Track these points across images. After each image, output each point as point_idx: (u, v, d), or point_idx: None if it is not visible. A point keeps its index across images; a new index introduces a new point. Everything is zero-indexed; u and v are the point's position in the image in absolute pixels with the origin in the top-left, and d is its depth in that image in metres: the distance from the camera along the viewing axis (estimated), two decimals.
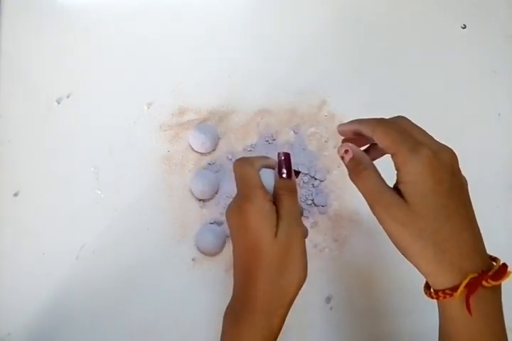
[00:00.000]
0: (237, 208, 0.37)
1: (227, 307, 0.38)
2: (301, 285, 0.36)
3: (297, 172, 0.40)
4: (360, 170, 0.34)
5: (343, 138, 0.38)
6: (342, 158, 0.35)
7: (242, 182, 0.37)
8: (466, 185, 0.33)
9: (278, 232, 0.35)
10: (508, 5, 0.60)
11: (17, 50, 0.53)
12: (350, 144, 0.35)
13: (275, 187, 0.38)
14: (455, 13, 0.59)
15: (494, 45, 0.59)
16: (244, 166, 0.38)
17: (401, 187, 0.32)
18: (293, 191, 0.37)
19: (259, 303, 0.35)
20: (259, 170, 0.38)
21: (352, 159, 0.34)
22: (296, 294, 0.36)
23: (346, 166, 0.35)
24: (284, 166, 0.38)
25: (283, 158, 0.38)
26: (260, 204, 0.35)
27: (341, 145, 0.35)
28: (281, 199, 0.36)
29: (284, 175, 0.37)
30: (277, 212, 0.36)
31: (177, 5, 0.55)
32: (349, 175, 0.35)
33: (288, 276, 0.35)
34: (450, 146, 0.33)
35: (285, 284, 0.35)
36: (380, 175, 0.33)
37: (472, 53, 0.59)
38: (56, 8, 0.54)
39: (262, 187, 0.37)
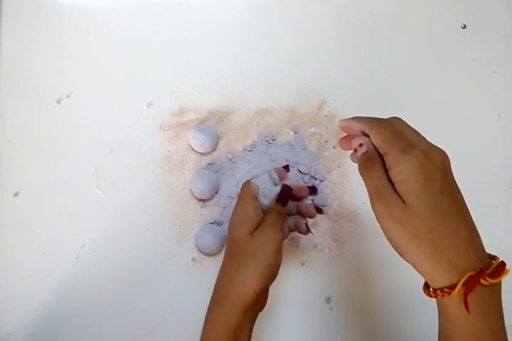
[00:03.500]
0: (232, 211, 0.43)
1: None
2: (263, 285, 0.39)
3: (320, 210, 0.47)
4: (371, 164, 0.34)
5: (340, 138, 0.39)
6: (355, 150, 0.36)
7: (241, 191, 0.44)
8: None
9: (255, 232, 0.40)
10: (508, 5, 0.60)
11: (17, 50, 0.53)
12: (365, 138, 0.35)
13: (270, 207, 0.43)
14: (455, 13, 0.59)
15: (494, 45, 0.59)
16: (245, 183, 0.44)
17: (396, 187, 0.32)
18: (281, 213, 0.43)
19: (221, 291, 0.40)
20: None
21: (365, 153, 0.35)
22: (257, 290, 0.39)
23: (358, 159, 0.35)
24: (283, 196, 0.44)
25: (285, 190, 0.44)
26: (245, 207, 0.42)
27: (357, 138, 0.35)
28: (269, 214, 0.42)
29: (280, 203, 0.44)
30: (263, 221, 0.41)
31: (177, 5, 0.55)
32: (359, 168, 0.35)
33: (252, 270, 0.39)
34: (450, 146, 0.33)
35: (246, 278, 0.39)
36: (386, 172, 0.33)
37: (472, 53, 0.59)
38: (56, 8, 0.54)
39: (254, 196, 0.43)
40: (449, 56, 0.59)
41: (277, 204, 0.43)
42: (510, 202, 0.57)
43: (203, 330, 0.41)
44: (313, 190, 0.47)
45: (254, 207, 0.42)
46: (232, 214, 0.42)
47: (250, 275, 0.39)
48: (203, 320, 0.41)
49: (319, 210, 0.47)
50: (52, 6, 0.54)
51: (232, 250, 0.41)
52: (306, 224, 0.46)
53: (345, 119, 0.37)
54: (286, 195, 0.44)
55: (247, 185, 0.44)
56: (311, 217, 0.47)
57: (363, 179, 0.34)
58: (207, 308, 0.41)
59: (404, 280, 0.52)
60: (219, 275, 0.42)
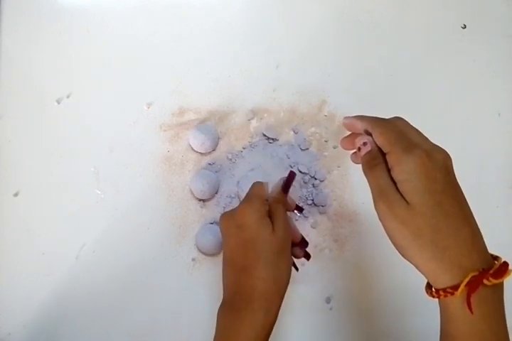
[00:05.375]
0: (235, 211, 0.41)
1: (221, 306, 0.41)
2: (290, 278, 0.40)
3: (301, 209, 0.48)
4: (374, 164, 0.34)
5: (342, 138, 0.39)
6: (359, 149, 0.35)
7: (251, 191, 0.43)
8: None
9: (275, 230, 0.40)
10: (508, 5, 0.60)
11: (17, 50, 0.53)
12: (369, 137, 0.35)
13: (274, 198, 0.43)
14: (455, 13, 0.59)
15: (494, 45, 0.59)
16: (257, 183, 0.44)
17: (398, 186, 0.32)
18: (285, 205, 0.43)
19: (258, 293, 0.39)
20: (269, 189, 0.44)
21: (369, 152, 0.35)
22: (287, 286, 0.40)
23: (362, 158, 0.35)
24: (289, 184, 0.44)
25: (292, 176, 0.44)
26: (257, 207, 0.40)
27: (361, 137, 0.35)
28: (278, 208, 0.42)
29: (285, 191, 0.44)
30: (272, 216, 0.41)
31: (177, 5, 0.55)
32: (363, 167, 0.35)
33: (282, 268, 0.40)
34: (450, 146, 0.33)
35: (280, 275, 0.39)
36: (389, 172, 0.33)
37: (472, 53, 0.59)
38: (56, 8, 0.54)
39: (263, 197, 0.42)
40: (449, 56, 0.59)
41: (282, 192, 0.43)
42: (510, 202, 0.57)
43: (232, 329, 0.38)
44: (299, 209, 0.48)
45: (264, 207, 0.41)
46: (242, 213, 0.40)
47: (285, 275, 0.40)
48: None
49: (307, 256, 0.46)
50: (52, 6, 0.54)
51: (256, 251, 0.39)
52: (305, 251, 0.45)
53: (348, 117, 0.36)
54: (291, 179, 0.44)
55: (259, 185, 0.43)
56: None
57: (367, 178, 0.34)
58: (223, 316, 0.40)
59: (405, 280, 0.52)
60: (246, 277, 0.39)
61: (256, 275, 0.39)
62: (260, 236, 0.39)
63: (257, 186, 0.43)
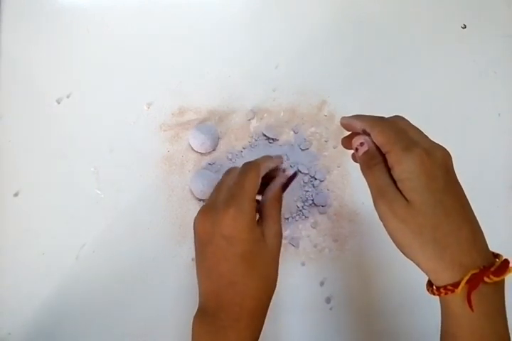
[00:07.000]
0: (219, 213, 0.36)
1: (199, 317, 0.38)
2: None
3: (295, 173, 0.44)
4: (373, 163, 0.34)
5: (342, 137, 0.38)
6: (356, 149, 0.35)
7: (238, 179, 0.38)
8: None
9: (266, 234, 0.37)
10: (508, 5, 0.60)
11: (17, 50, 0.53)
12: (366, 137, 0.34)
13: (273, 194, 0.40)
14: (455, 13, 0.59)
15: (494, 45, 0.59)
16: (250, 165, 0.39)
17: (398, 185, 0.32)
18: (281, 202, 0.40)
19: (246, 312, 0.36)
20: (264, 173, 0.40)
21: (366, 152, 0.34)
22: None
23: (359, 158, 0.35)
24: (289, 183, 0.42)
25: (294, 176, 0.42)
26: (248, 210, 0.35)
27: (357, 137, 0.35)
28: (272, 208, 0.39)
29: (283, 189, 0.41)
30: (264, 217, 0.38)
31: (177, 5, 0.55)
32: (361, 167, 0.35)
33: (271, 280, 0.37)
34: (450, 146, 0.33)
35: (267, 288, 0.37)
36: (389, 171, 0.33)
37: (472, 53, 0.59)
38: (56, 8, 0.54)
39: (254, 192, 0.37)
40: (449, 56, 0.59)
41: (280, 190, 0.40)
42: (510, 202, 0.57)
43: None
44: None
45: (255, 210, 0.37)
46: (232, 222, 0.35)
47: (272, 288, 0.37)
48: None
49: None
50: (52, 6, 0.54)
51: (249, 267, 0.36)
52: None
53: (346, 117, 0.36)
54: (291, 180, 0.42)
55: (254, 172, 0.38)
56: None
57: (365, 178, 0.34)
58: (205, 332, 0.37)
59: (404, 280, 0.52)
60: (233, 290, 0.36)
61: (246, 293, 0.36)
62: (253, 250, 0.36)
63: (252, 173, 0.37)
